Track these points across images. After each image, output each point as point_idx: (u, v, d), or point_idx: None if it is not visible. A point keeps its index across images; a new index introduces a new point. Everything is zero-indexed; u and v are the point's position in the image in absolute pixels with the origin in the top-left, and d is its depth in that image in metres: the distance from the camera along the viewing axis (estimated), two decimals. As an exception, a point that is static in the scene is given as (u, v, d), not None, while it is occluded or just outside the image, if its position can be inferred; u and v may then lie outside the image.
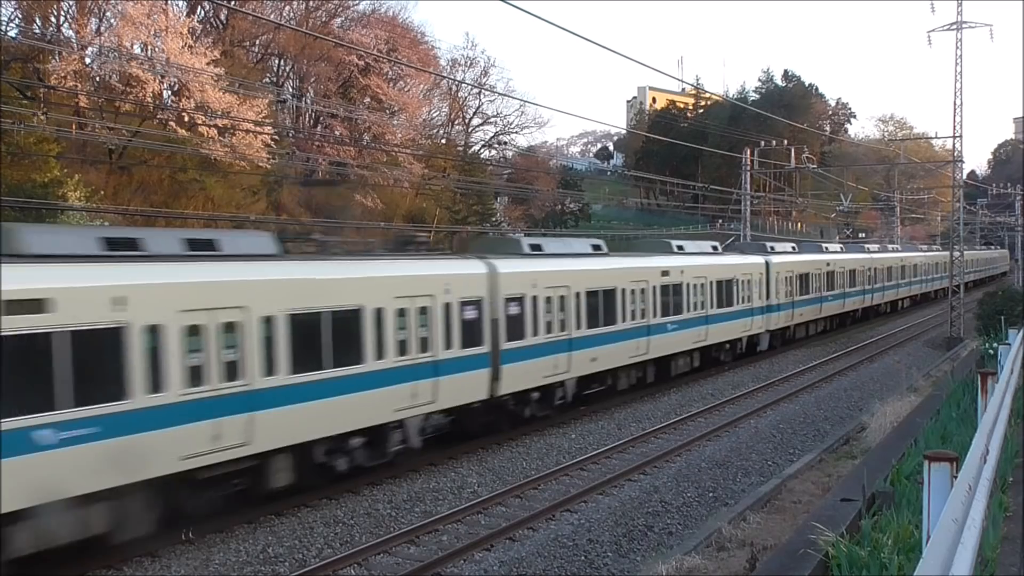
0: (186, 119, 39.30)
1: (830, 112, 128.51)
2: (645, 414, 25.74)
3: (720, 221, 73.78)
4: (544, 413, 23.53)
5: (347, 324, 16.98)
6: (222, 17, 52.97)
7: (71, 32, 42.68)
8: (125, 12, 39.05)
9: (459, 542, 15.00)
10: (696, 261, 32.00)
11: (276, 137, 44.01)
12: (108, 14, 42.74)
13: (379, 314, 17.64)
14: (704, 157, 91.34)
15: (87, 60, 39.57)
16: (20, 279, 12.12)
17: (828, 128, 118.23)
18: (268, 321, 15.39)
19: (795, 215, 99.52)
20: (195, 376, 14.24)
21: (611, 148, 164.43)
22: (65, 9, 43.32)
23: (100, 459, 12.77)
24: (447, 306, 19.42)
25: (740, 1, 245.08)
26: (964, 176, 65.00)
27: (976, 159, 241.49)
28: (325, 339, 16.53)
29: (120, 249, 14.16)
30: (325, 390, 16.42)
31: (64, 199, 31.46)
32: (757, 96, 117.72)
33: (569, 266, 24.48)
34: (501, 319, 21.08)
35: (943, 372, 29.80)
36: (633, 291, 26.73)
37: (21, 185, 30.69)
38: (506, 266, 21.69)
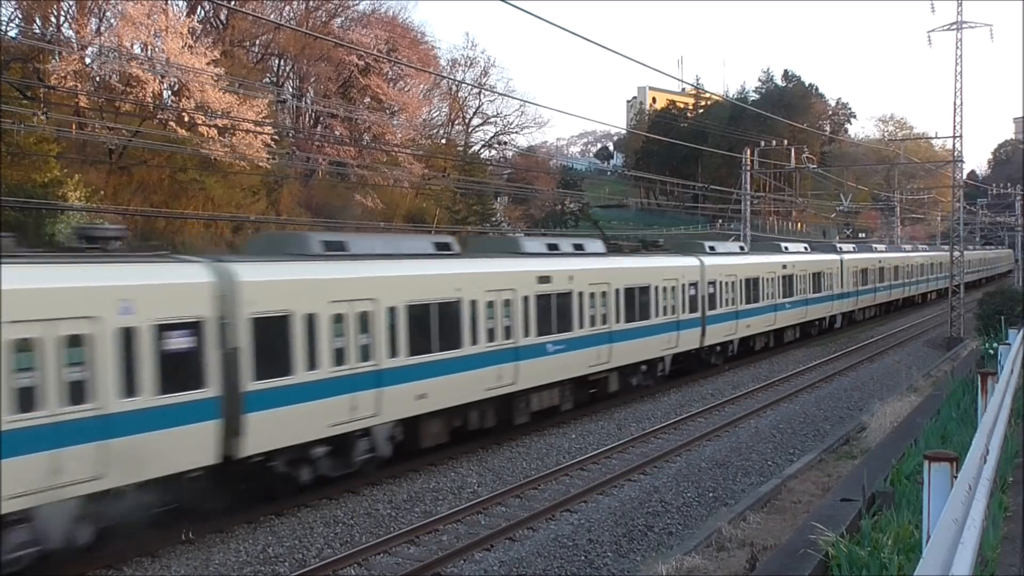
0: (186, 119, 39.31)
1: (830, 112, 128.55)
2: (645, 414, 25.73)
3: (720, 221, 73.77)
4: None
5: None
6: (222, 17, 52.99)
7: (71, 32, 42.72)
8: (125, 12, 39.08)
9: (459, 542, 15.00)
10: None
11: (276, 137, 44.01)
12: (108, 14, 42.78)
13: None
14: (704, 157, 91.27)
15: (87, 60, 39.58)
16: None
17: (828, 128, 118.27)
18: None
19: (795, 215, 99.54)
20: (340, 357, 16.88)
21: (611, 148, 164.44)
22: (65, 9, 43.35)
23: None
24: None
25: (740, 1, 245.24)
26: (964, 176, 64.98)
27: (976, 159, 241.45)
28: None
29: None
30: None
31: (64, 199, 31.48)
32: (757, 96, 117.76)
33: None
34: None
35: (943, 372, 29.78)
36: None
37: (21, 185, 30.72)
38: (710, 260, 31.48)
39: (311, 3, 59.60)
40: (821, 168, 73.62)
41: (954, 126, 46.09)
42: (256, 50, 57.79)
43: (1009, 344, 18.58)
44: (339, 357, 16.79)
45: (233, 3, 47.70)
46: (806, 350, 40.03)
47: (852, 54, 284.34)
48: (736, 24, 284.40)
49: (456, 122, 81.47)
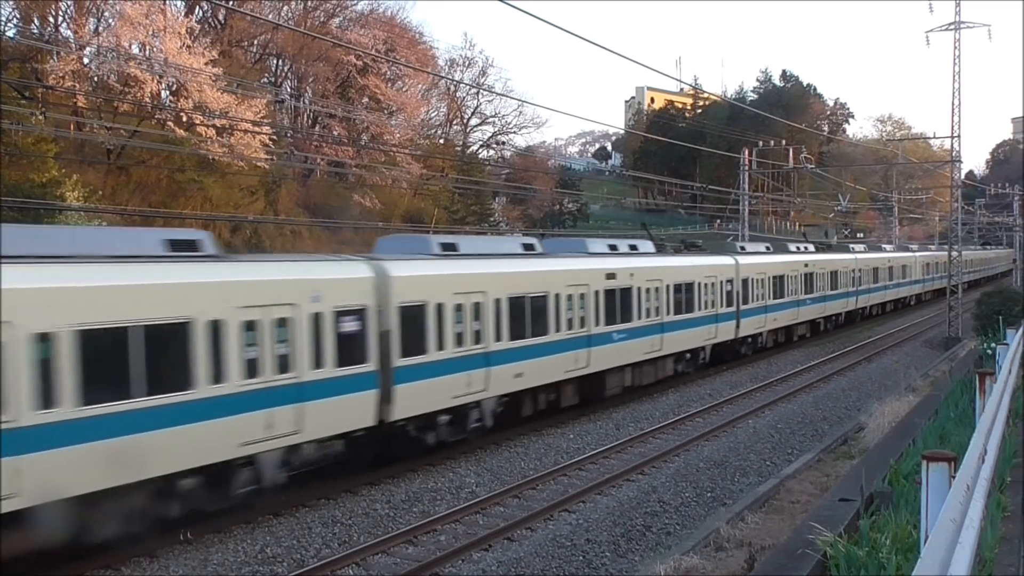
0: (184, 119, 39.31)
1: (828, 112, 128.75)
2: (643, 414, 25.73)
3: (718, 221, 73.87)
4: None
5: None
6: (220, 17, 53.00)
7: (69, 32, 42.71)
8: (123, 12, 39.08)
9: (457, 542, 15.00)
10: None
11: (274, 137, 44.02)
12: (106, 14, 42.78)
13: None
14: (702, 157, 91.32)
15: (85, 60, 39.57)
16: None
17: (826, 128, 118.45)
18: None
19: (793, 215, 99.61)
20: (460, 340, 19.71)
21: (609, 148, 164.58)
22: (63, 9, 43.33)
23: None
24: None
25: (739, 1, 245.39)
26: (962, 176, 65.02)
27: (974, 159, 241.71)
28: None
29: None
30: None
31: (62, 199, 31.46)
32: (755, 96, 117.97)
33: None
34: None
35: (941, 372, 29.82)
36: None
37: (19, 185, 30.69)
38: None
39: (309, 3, 59.63)
40: (819, 168, 73.69)
41: (952, 126, 46.19)
42: (254, 50, 57.80)
43: (1007, 344, 18.60)
44: (459, 340, 19.67)
45: (231, 3, 47.69)
46: (805, 350, 40.05)
47: (850, 54, 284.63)
48: (734, 24, 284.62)
49: (454, 122, 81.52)
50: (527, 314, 21.85)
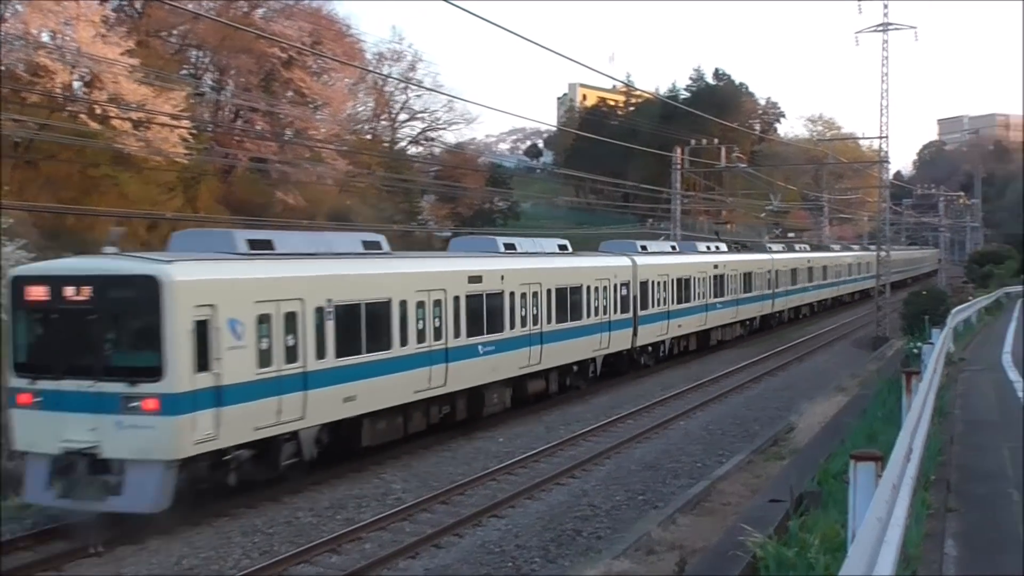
0: (98, 111, 38.44)
1: (760, 111, 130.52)
2: (575, 416, 25.85)
3: (651, 220, 74.49)
4: None
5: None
6: (137, 6, 51.99)
7: (-27, 19, 41.49)
8: (33, -2, 38.08)
9: (383, 550, 14.89)
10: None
11: (194, 131, 43.31)
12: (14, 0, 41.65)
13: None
14: (635, 155, 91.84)
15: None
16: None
17: (758, 127, 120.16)
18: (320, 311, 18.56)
19: (725, 215, 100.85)
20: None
21: (541, 145, 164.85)
22: (-33, -5, 42.11)
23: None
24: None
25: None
26: (890, 176, 66.52)
27: (902, 160, 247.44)
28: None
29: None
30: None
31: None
32: (688, 94, 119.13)
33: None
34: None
35: (870, 372, 30.45)
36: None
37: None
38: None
39: (231, -8, 58.77)
40: (751, 167, 74.65)
41: (880, 127, 47.53)
42: (174, 40, 56.80)
43: (932, 344, 19.07)
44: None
45: (149, -9, 46.89)
46: (736, 351, 40.60)
47: (782, 54, 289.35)
48: (668, 22, 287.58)
49: (382, 117, 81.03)
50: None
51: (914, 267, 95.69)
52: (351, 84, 71.37)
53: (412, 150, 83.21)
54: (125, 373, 15.08)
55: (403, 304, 20.29)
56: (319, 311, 17.72)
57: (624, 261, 32.25)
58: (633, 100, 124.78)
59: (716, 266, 40.14)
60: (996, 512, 9.94)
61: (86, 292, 15.45)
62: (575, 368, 28.64)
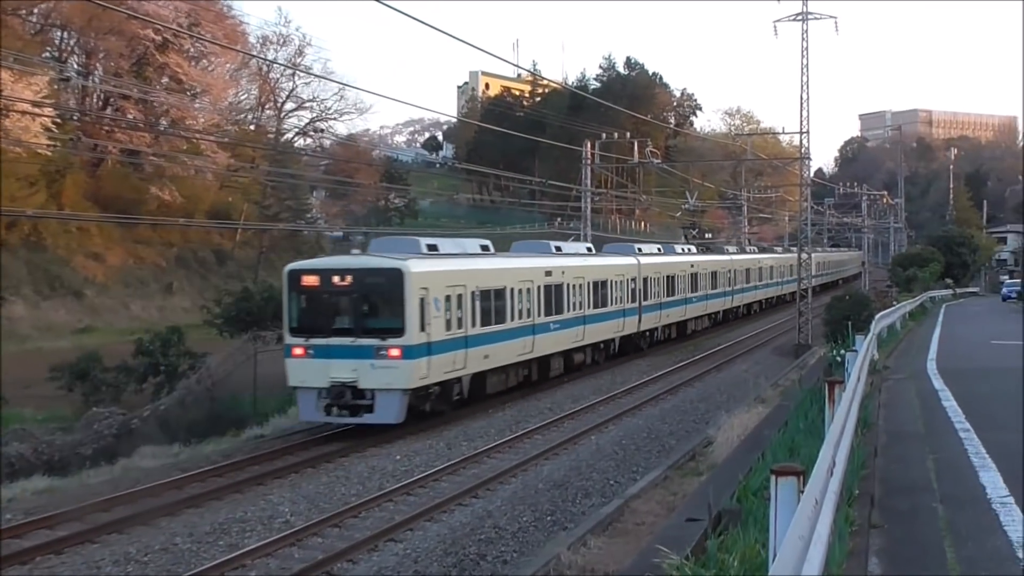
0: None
1: (675, 103, 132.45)
2: (478, 431, 25.89)
3: (559, 219, 75.00)
4: None
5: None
6: (-9, -20, 50.51)
7: None
8: None
9: (270, 579, 14.74)
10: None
11: (58, 120, 42.25)
12: None
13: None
14: (542, 149, 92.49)
15: None
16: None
17: (673, 120, 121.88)
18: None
19: (639, 214, 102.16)
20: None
21: (440, 138, 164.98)
22: None
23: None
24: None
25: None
26: (811, 174, 68.13)
27: (824, 157, 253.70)
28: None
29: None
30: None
31: None
32: (598, 84, 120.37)
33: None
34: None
35: (791, 381, 31.08)
36: None
37: None
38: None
39: (98, -33, 57.55)
40: (666, 164, 75.78)
41: (800, 121, 48.42)
42: (34, 20, 55.29)
43: (856, 351, 19.56)
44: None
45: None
46: (651, 359, 41.15)
47: (698, 44, 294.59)
48: (577, 7, 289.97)
49: (267, 106, 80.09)
50: (492, 304, 29.34)
51: (837, 270, 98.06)
52: (233, 70, 70.52)
53: (300, 142, 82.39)
54: (377, 332, 24.87)
55: (513, 290, 30.49)
56: (472, 294, 27.73)
57: (631, 260, 42.84)
58: (539, 90, 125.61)
59: (692, 265, 50.25)
60: (920, 527, 10.26)
61: (348, 279, 25.45)
62: (601, 346, 38.93)
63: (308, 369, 25.09)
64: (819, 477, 7.72)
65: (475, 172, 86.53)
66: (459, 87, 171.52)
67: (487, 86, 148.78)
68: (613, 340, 39.81)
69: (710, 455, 20.89)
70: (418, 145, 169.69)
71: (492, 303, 28.92)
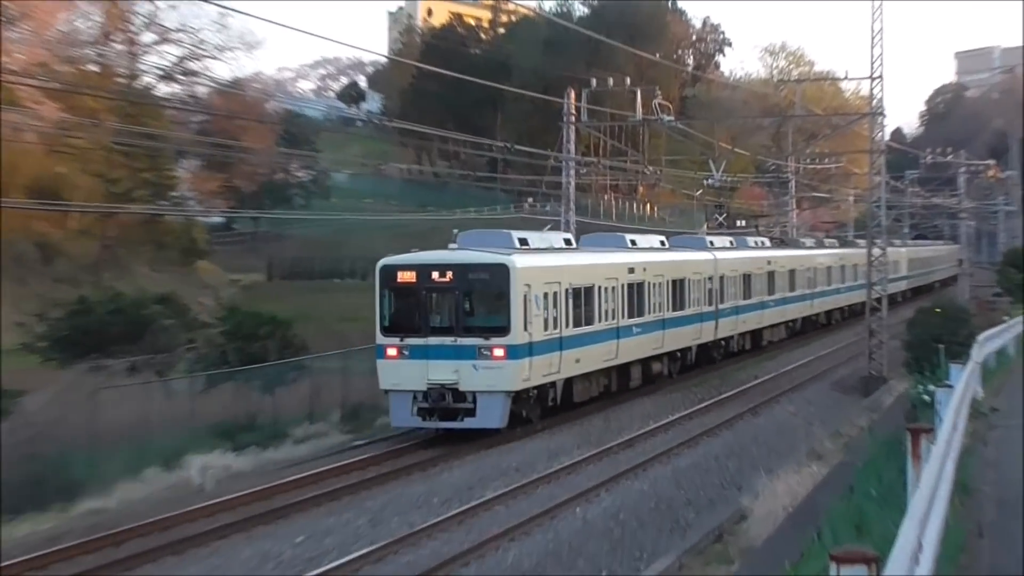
0: None
1: (695, 39, 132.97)
2: (416, 500, 25.76)
3: (530, 199, 75.05)
4: None
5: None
6: None
7: None
8: None
9: None
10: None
11: None
12: None
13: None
14: (507, 102, 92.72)
15: None
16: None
17: (691, 61, 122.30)
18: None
19: (643, 191, 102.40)
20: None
21: (364, 85, 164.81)
22: None
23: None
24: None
25: None
26: (887, 137, 68.31)
27: (904, 113, 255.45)
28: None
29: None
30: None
31: None
32: (587, 11, 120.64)
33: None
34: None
35: (858, 429, 31.09)
36: None
37: None
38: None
39: None
40: (681, 122, 75.80)
41: (871, 63, 48.33)
42: None
43: (951, 386, 19.53)
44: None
45: None
46: (659, 397, 41.11)
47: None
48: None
49: (115, 39, 79.62)
50: (582, 301, 36.76)
51: (924, 271, 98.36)
52: (66, -15, 69.95)
53: (163, 89, 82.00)
54: (480, 331, 32.01)
55: (601, 289, 37.66)
56: (566, 292, 34.72)
57: (708, 256, 50.47)
58: (504, 18, 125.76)
59: (769, 262, 58.50)
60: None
61: (449, 275, 32.36)
62: (678, 355, 46.56)
63: (403, 371, 32.05)
64: (900, 565, 7.61)
65: (412, 133, 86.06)
66: (391, 13, 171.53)
67: (429, 12, 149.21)
68: (690, 349, 47.50)
69: (744, 533, 20.82)
70: (332, 95, 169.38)
71: (583, 302, 36.35)
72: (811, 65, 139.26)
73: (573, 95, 52.45)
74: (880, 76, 48.26)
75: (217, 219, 77.55)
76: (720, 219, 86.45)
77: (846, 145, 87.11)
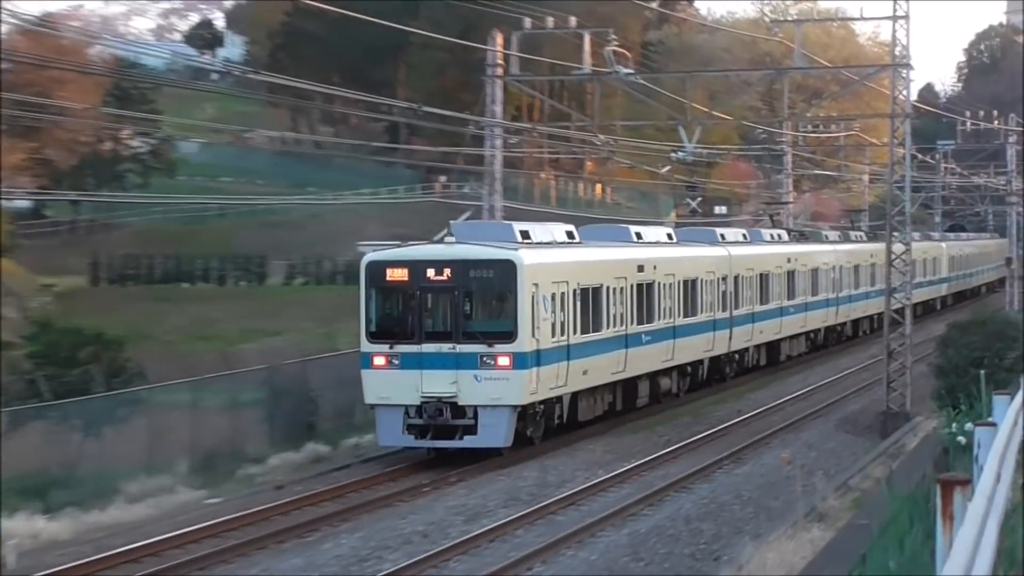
0: None
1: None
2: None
3: (443, 178, 75.15)
4: None
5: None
6: None
7: None
8: None
9: None
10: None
11: None
12: None
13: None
14: (412, 49, 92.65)
15: None
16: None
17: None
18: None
19: (592, 167, 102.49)
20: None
21: (221, 26, 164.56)
22: None
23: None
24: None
25: None
26: (913, 97, 68.76)
27: (937, 66, 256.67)
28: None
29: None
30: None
31: None
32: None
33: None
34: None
35: (873, 480, 31.34)
36: None
37: None
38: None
39: None
40: (642, 75, 76.01)
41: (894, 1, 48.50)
42: None
43: (994, 424, 19.69)
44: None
45: None
46: (614, 440, 41.23)
47: None
48: None
49: None
50: (589, 302, 41.85)
51: (968, 273, 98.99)
52: None
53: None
54: (482, 337, 35.81)
55: (609, 290, 42.56)
56: (573, 293, 38.30)
57: (721, 252, 56.38)
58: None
59: (789, 259, 64.96)
60: None
61: (447, 272, 35.97)
62: (688, 369, 52.74)
63: (393, 382, 35.86)
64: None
65: (286, 90, 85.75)
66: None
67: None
68: (701, 362, 53.14)
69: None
70: (178, 37, 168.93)
71: (591, 305, 40.91)
72: (813, 1, 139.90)
73: (500, 39, 52.42)
74: (906, 15, 48.48)
75: (22, 203, 77.00)
76: (693, 204, 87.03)
77: (860, 107, 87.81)
